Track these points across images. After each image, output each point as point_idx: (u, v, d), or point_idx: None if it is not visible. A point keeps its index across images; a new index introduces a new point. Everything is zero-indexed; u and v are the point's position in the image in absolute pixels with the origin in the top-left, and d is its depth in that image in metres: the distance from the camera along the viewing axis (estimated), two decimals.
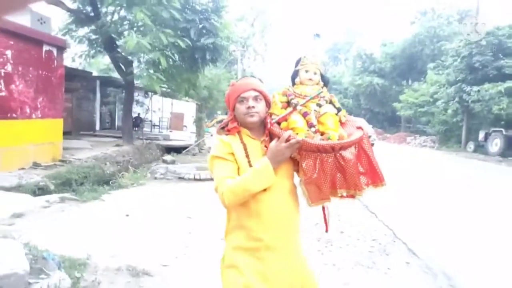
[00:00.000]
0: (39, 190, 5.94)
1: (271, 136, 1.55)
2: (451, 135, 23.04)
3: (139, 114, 18.57)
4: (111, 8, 10.63)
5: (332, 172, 1.52)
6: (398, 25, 52.85)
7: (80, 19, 11.00)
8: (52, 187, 6.25)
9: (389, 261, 3.85)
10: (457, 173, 11.35)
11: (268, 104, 1.63)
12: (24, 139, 7.36)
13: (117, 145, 10.77)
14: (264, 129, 1.60)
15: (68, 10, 10.47)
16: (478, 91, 18.10)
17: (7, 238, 3.31)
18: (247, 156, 1.53)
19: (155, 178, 8.24)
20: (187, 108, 24.08)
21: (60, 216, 4.83)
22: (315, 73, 1.67)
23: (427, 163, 14.45)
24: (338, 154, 1.51)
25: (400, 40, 32.55)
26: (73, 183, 6.67)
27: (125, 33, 10.85)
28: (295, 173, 1.62)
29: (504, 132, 17.25)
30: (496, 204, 6.93)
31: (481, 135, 18.71)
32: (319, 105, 1.60)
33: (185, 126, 25.64)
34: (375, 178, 1.59)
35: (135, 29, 10.68)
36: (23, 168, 6.99)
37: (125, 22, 11.06)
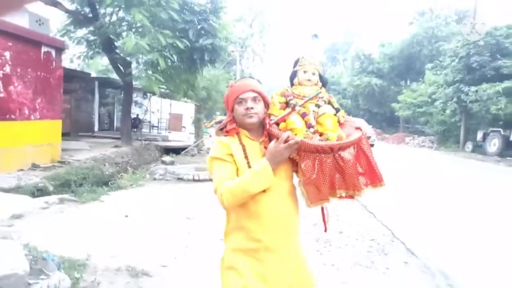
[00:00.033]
0: (38, 191, 5.92)
1: (270, 137, 1.54)
2: (450, 135, 23.09)
3: (137, 115, 18.52)
4: (109, 9, 10.60)
5: (331, 173, 1.52)
6: (396, 25, 52.95)
7: (78, 20, 10.98)
8: (51, 188, 6.24)
9: (387, 260, 3.86)
10: (455, 173, 11.38)
11: (266, 105, 1.63)
12: (23, 140, 7.35)
13: (116, 146, 10.75)
14: (263, 130, 1.59)
15: (67, 11, 10.45)
16: (476, 91, 18.13)
17: (6, 239, 3.32)
18: (246, 157, 1.52)
19: (154, 179, 8.24)
20: (186, 109, 24.03)
21: (59, 217, 4.83)
22: (313, 74, 1.67)
23: (425, 163, 14.49)
24: (337, 155, 1.51)
25: (398, 41, 32.65)
26: (72, 184, 6.65)
27: (124, 34, 10.85)
28: (294, 174, 1.62)
29: (502, 132, 17.28)
30: (494, 204, 6.96)
31: (479, 135, 18.75)
32: (318, 106, 1.60)
33: (184, 127, 25.62)
34: (374, 178, 1.59)
35: (133, 30, 10.65)
36: (22, 170, 6.98)
37: (124, 23, 11.04)
